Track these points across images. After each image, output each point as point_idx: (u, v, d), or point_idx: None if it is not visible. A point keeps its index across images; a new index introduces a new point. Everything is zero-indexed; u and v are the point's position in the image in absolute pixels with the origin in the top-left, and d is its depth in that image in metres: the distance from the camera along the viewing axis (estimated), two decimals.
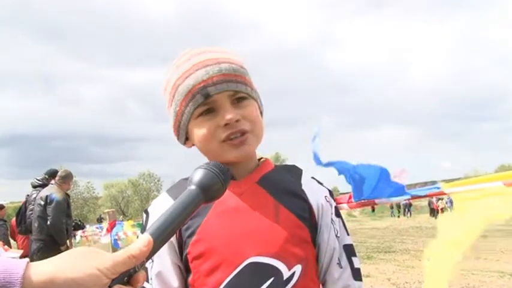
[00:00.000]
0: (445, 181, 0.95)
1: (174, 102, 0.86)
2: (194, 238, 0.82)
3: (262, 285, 0.78)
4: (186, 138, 0.90)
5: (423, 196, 0.94)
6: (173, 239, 0.84)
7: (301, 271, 0.81)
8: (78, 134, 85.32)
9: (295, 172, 0.94)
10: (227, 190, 0.80)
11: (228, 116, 0.81)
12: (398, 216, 29.43)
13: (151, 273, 0.84)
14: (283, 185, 0.88)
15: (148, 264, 0.83)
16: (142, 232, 0.87)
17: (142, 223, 0.90)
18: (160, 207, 0.85)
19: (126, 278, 0.49)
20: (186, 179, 0.90)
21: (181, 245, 0.85)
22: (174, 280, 0.84)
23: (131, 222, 4.72)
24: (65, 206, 4.55)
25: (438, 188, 0.90)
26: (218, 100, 0.82)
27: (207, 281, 0.80)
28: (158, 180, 57.21)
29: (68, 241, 4.85)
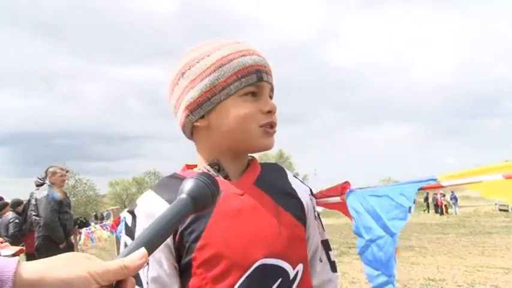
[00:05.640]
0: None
1: (217, 73, 0.82)
2: (200, 243, 0.78)
3: (271, 286, 0.78)
4: (201, 116, 0.85)
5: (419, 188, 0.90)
6: (170, 242, 0.80)
7: (303, 269, 0.84)
8: (81, 131, 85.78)
9: (281, 171, 0.95)
10: (228, 191, 0.83)
11: (273, 104, 0.86)
12: None
13: (147, 278, 0.79)
14: (277, 186, 0.89)
15: (142, 269, 0.79)
16: (126, 233, 0.83)
17: (128, 225, 0.83)
18: (148, 206, 0.82)
19: (114, 283, 0.49)
20: (170, 176, 0.89)
21: (180, 249, 0.80)
22: (173, 284, 0.80)
23: None
24: (55, 204, 4.48)
25: (435, 180, 0.88)
26: (264, 88, 0.86)
27: (216, 287, 0.77)
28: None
29: (71, 238, 4.85)
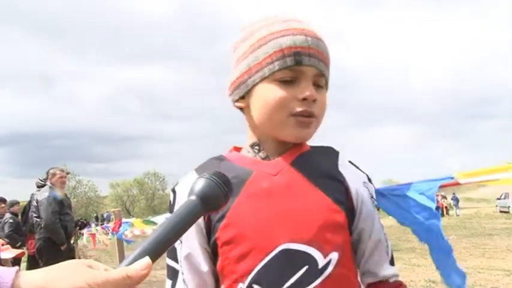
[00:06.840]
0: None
1: (254, 55, 0.80)
2: (224, 222, 0.76)
3: (295, 274, 0.73)
4: (241, 97, 0.84)
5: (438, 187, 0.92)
6: (201, 222, 0.79)
7: (338, 259, 0.76)
8: (81, 132, 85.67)
9: (331, 154, 0.88)
10: (261, 170, 0.81)
11: (310, 92, 0.77)
12: None
13: (180, 255, 0.80)
14: (319, 167, 0.82)
15: (177, 245, 0.81)
16: (170, 212, 0.84)
17: (170, 202, 0.86)
18: (188, 185, 0.81)
19: None
20: (216, 158, 0.88)
21: (210, 229, 0.79)
22: (203, 264, 0.80)
23: (140, 220, 4.67)
24: (56, 206, 4.46)
25: (452, 178, 0.88)
26: (305, 72, 0.78)
27: (237, 267, 0.75)
28: (163, 179, 57.36)
29: (73, 238, 4.85)
